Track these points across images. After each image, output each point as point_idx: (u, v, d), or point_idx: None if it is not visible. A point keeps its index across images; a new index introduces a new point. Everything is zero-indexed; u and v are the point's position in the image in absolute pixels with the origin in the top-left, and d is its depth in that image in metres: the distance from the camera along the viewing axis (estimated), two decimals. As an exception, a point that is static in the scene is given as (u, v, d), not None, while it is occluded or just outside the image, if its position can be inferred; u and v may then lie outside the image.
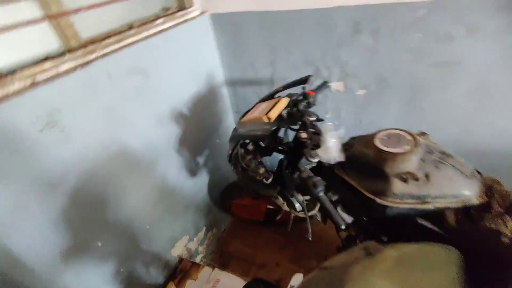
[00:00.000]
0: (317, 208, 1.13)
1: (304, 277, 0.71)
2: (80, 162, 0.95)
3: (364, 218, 1.03)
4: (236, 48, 1.52)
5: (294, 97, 1.18)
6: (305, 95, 1.18)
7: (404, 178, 0.86)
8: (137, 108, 1.15)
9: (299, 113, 1.12)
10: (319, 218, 1.25)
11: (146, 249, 1.33)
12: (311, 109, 1.18)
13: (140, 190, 1.23)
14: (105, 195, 1.08)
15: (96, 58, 0.97)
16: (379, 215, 0.97)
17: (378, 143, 0.94)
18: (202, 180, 1.66)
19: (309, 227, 1.07)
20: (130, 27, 1.18)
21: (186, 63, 1.38)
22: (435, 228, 0.89)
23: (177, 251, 1.53)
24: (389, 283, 0.45)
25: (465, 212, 0.90)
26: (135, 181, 1.20)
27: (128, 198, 1.17)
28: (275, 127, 1.07)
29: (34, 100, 0.80)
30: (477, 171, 0.91)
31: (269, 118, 1.07)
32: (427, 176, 0.86)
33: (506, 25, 0.99)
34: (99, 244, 1.08)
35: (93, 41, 1.01)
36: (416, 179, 0.85)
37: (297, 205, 1.10)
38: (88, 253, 1.05)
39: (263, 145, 1.21)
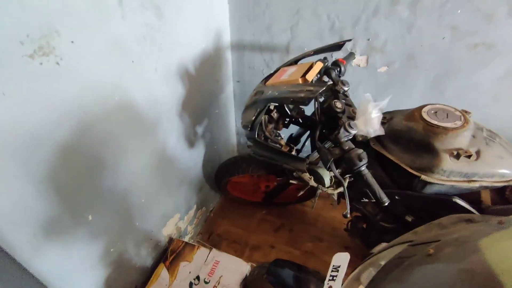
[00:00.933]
0: (346, 183, 1.04)
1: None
2: (76, 110, 0.73)
3: (396, 197, 0.97)
4: (252, 7, 1.34)
5: (326, 64, 1.07)
6: (336, 63, 1.08)
7: (456, 154, 0.81)
8: (146, 52, 0.93)
9: (338, 81, 1.01)
10: (335, 197, 1.18)
11: (139, 226, 1.13)
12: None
13: (140, 155, 1.02)
14: (102, 157, 0.86)
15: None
16: (417, 193, 0.93)
17: (427, 116, 0.88)
18: (198, 153, 1.48)
19: (316, 199, 1.01)
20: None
21: (198, 13, 1.18)
22: (471, 208, 0.87)
23: (168, 230, 1.35)
24: None
25: (500, 192, 0.89)
26: (137, 143, 0.99)
27: (127, 163, 0.97)
28: (318, 89, 0.92)
29: (26, 7, 0.56)
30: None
31: (306, 80, 0.95)
32: (478, 153, 0.82)
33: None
34: (90, 217, 0.87)
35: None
36: (469, 156, 0.81)
37: (327, 179, 1.00)
38: (76, 228, 0.84)
39: (289, 113, 1.09)
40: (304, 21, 1.30)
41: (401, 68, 1.28)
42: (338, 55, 1.28)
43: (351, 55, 1.18)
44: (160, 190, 1.21)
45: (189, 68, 1.20)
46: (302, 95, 0.88)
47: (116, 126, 0.87)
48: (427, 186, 0.88)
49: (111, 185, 0.93)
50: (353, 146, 0.86)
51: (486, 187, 0.86)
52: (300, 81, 0.95)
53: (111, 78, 0.82)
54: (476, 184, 0.83)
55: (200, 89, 1.33)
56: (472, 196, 0.89)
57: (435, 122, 0.85)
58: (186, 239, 1.56)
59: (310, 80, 0.94)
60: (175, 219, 1.39)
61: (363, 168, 0.83)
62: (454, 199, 0.89)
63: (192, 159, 1.42)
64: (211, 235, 1.69)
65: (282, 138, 1.07)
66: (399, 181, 0.95)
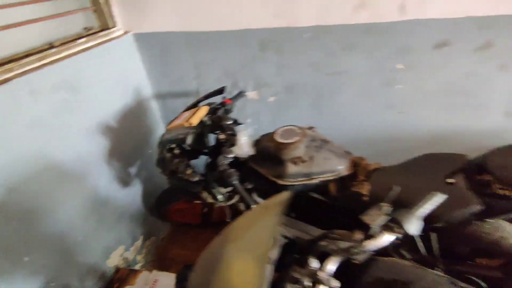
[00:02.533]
0: (236, 197, 1.31)
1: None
2: (6, 177, 0.98)
3: (274, 200, 1.25)
4: (162, 64, 1.67)
5: (213, 105, 1.38)
6: (223, 103, 1.39)
7: (295, 161, 1.11)
8: (66, 121, 1.20)
9: (218, 118, 1.31)
10: (242, 207, 1.44)
11: (80, 261, 1.34)
12: (230, 115, 1.39)
13: (71, 202, 1.26)
14: (35, 208, 1.10)
15: (15, 76, 1.03)
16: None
17: (277, 137, 1.19)
18: (136, 189, 1.72)
19: (228, 212, 1.26)
20: (51, 46, 1.25)
21: (113, 78, 1.47)
22: (322, 198, 1.17)
23: (113, 261, 1.55)
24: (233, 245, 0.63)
25: (341, 182, 1.19)
26: (66, 193, 1.23)
27: (59, 210, 1.20)
28: (194, 130, 1.23)
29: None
30: (347, 152, 1.21)
31: (190, 123, 1.24)
32: (311, 158, 1.12)
33: (370, 45, 1.34)
34: (26, 259, 1.09)
35: (11, 60, 1.06)
36: (303, 161, 1.11)
37: (219, 196, 1.27)
38: (12, 268, 1.05)
39: (188, 148, 1.37)
40: (204, 71, 1.63)
41: (285, 97, 1.61)
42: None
43: (240, 94, 1.50)
44: (98, 228, 1.43)
45: (111, 122, 1.48)
46: (182, 136, 1.17)
47: (45, 182, 1.12)
48: (288, 188, 1.16)
49: (46, 229, 1.16)
50: (227, 167, 1.14)
51: (329, 181, 1.15)
52: (185, 124, 1.24)
53: (35, 147, 1.08)
54: (316, 181, 1.12)
55: (127, 136, 1.60)
56: (323, 189, 1.18)
57: (281, 140, 1.16)
58: (137, 267, 1.75)
59: (193, 122, 1.24)
60: (119, 251, 1.60)
61: (235, 182, 1.11)
62: (310, 194, 1.18)
63: (130, 196, 1.66)
64: (163, 261, 1.89)
65: (192, 168, 1.34)
66: (270, 187, 1.23)
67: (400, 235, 0.65)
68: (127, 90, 1.60)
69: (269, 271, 0.68)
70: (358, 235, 0.66)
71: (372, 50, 1.34)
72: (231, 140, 1.27)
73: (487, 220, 1.09)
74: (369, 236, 0.65)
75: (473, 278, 1.24)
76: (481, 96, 1.35)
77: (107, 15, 1.51)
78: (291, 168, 1.11)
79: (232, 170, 1.12)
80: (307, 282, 0.63)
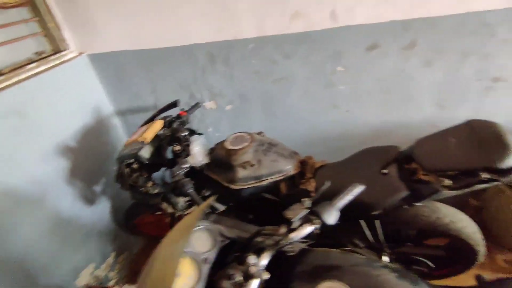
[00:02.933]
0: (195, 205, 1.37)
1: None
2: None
3: (231, 204, 1.32)
4: (119, 82, 1.71)
5: (169, 118, 1.43)
6: (178, 116, 1.45)
7: (244, 166, 1.19)
8: (17, 147, 1.22)
9: (173, 130, 1.37)
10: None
11: (46, 282, 1.35)
12: (187, 126, 1.46)
13: (31, 224, 1.28)
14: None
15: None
16: (238, 198, 1.28)
17: (227, 144, 1.26)
18: (103, 206, 1.74)
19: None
20: (0, 73, 1.27)
21: (69, 99, 1.50)
22: (274, 197, 1.25)
23: (83, 280, 1.56)
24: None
25: (291, 182, 1.27)
26: (25, 217, 1.25)
27: (18, 234, 1.21)
28: (145, 145, 1.28)
29: None
30: (295, 152, 1.30)
31: (144, 138, 1.29)
32: (259, 162, 1.20)
33: (307, 51, 1.45)
34: (-15, 284, 1.10)
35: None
36: (252, 165, 1.19)
37: (179, 205, 1.32)
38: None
39: (146, 162, 1.42)
40: (160, 86, 1.69)
41: (240, 105, 1.69)
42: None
43: (196, 105, 1.56)
44: (63, 248, 1.45)
45: (70, 143, 1.50)
46: (134, 152, 1.22)
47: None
48: (242, 191, 1.24)
49: (4, 254, 1.17)
50: (181, 177, 1.19)
51: (277, 182, 1.23)
52: (140, 139, 1.29)
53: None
54: (266, 182, 1.20)
55: (89, 154, 1.62)
56: (275, 189, 1.26)
57: (230, 147, 1.23)
58: (111, 283, 1.76)
59: (147, 137, 1.29)
60: (89, 269, 1.61)
61: (189, 190, 1.17)
62: (262, 194, 1.26)
63: (96, 214, 1.68)
64: (136, 274, 1.90)
65: (152, 181, 1.38)
66: (225, 192, 1.30)
67: (318, 225, 0.74)
68: (85, 109, 1.63)
69: (206, 270, 0.75)
70: (283, 229, 0.74)
71: (310, 56, 1.45)
72: (186, 151, 1.33)
73: (424, 203, 1.21)
74: (291, 229, 0.73)
75: (420, 258, 1.36)
76: (411, 91, 1.48)
77: (58, 39, 1.54)
78: (241, 173, 1.19)
79: (187, 179, 1.18)
80: (239, 277, 0.69)
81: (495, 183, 0.93)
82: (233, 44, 1.47)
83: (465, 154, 0.96)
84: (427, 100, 1.50)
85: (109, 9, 1.46)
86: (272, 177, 1.20)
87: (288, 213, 0.74)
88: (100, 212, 1.72)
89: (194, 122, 1.81)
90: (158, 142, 1.39)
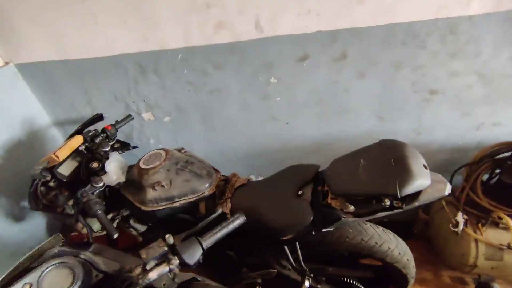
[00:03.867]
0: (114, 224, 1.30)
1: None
2: None
3: (149, 224, 1.25)
4: (52, 93, 1.63)
5: (91, 133, 1.36)
6: (103, 130, 1.38)
7: (154, 186, 1.12)
8: None
9: (95, 146, 1.30)
10: (134, 232, 1.43)
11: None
12: (116, 139, 1.39)
13: None
14: None
15: None
16: (154, 219, 1.22)
17: (141, 163, 1.19)
18: (35, 224, 1.66)
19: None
20: None
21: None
22: (191, 218, 1.18)
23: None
24: None
25: (211, 202, 1.21)
26: None
27: None
28: (69, 161, 1.21)
29: None
30: (215, 170, 1.24)
31: (56, 156, 1.22)
32: (170, 182, 1.13)
33: (238, 62, 1.38)
34: None
35: None
36: (162, 186, 1.12)
37: (95, 226, 1.25)
38: None
39: (65, 179, 1.34)
40: (94, 96, 1.61)
41: (178, 116, 1.62)
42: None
43: (128, 117, 1.49)
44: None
45: (-8, 158, 1.43)
46: (37, 172, 1.15)
47: None
48: (155, 213, 1.17)
49: None
50: (91, 197, 1.12)
51: (195, 202, 1.17)
52: (53, 157, 1.22)
53: None
54: (177, 204, 1.13)
55: (17, 170, 1.54)
56: (194, 209, 1.20)
57: (143, 166, 1.16)
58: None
59: (59, 155, 1.22)
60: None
61: (98, 212, 1.09)
62: (179, 215, 1.19)
63: (26, 232, 1.60)
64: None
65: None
66: (141, 213, 1.23)
67: (175, 266, 0.67)
68: (16, 121, 1.55)
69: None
70: (137, 270, 0.67)
71: (241, 67, 1.38)
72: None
73: (350, 224, 1.15)
74: (145, 270, 0.67)
75: (350, 281, 1.30)
76: (348, 103, 1.42)
77: (-19, 48, 1.46)
78: (151, 194, 1.12)
79: (96, 200, 1.11)
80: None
81: (398, 210, 0.87)
82: (161, 54, 1.40)
83: (370, 179, 0.90)
84: (366, 112, 1.44)
85: (30, 17, 1.38)
86: (186, 198, 1.13)
87: (142, 253, 0.68)
88: (32, 229, 1.64)
89: (134, 134, 1.75)
90: (81, 159, 1.32)
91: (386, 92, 1.37)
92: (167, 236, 0.71)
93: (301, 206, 1.00)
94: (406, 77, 1.31)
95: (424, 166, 0.88)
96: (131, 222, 1.28)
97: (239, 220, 0.78)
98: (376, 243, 1.13)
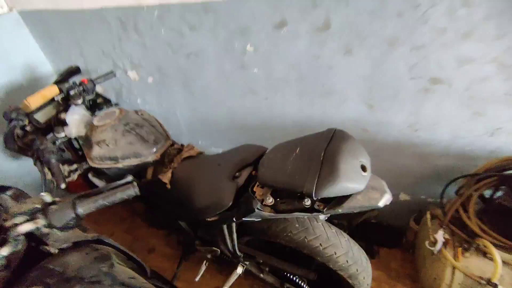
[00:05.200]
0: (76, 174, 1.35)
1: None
2: None
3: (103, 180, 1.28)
4: (52, 42, 1.70)
5: (68, 85, 1.39)
6: (80, 83, 1.40)
7: (99, 144, 1.11)
8: None
9: (67, 98, 1.34)
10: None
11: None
12: (101, 94, 1.41)
13: None
14: None
15: None
16: (104, 176, 1.23)
17: (95, 119, 1.19)
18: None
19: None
20: None
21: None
22: (138, 182, 1.17)
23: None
24: None
25: (160, 168, 1.18)
26: None
27: None
28: (48, 108, 1.27)
29: None
30: (167, 137, 1.19)
31: (28, 103, 1.28)
32: (115, 142, 1.11)
33: (213, 24, 1.25)
34: None
35: None
36: (107, 145, 1.11)
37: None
38: None
39: (41, 126, 1.41)
40: (85, 49, 1.64)
41: (160, 78, 1.58)
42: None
43: (109, 74, 1.49)
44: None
45: (-9, 98, 1.56)
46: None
47: None
48: (105, 170, 1.18)
49: None
50: (48, 146, 1.17)
51: (148, 165, 1.14)
52: (24, 103, 1.28)
53: None
54: (120, 165, 1.12)
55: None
56: (141, 173, 1.18)
57: (94, 122, 1.15)
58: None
59: (30, 103, 1.27)
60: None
61: (49, 159, 1.14)
62: (126, 177, 1.18)
63: (24, 168, 1.77)
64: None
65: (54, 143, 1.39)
66: (92, 168, 1.24)
67: (41, 226, 0.65)
68: (16, 66, 1.65)
69: None
70: (11, 220, 0.66)
71: (216, 30, 1.26)
72: (69, 120, 1.29)
73: (298, 218, 1.03)
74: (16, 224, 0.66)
75: (293, 277, 1.20)
76: (332, 83, 1.22)
77: (-12, -7, 1.55)
78: (96, 151, 1.12)
79: (50, 149, 1.15)
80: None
81: (318, 214, 0.73)
82: (139, 11, 1.33)
83: (294, 171, 0.76)
84: (353, 96, 1.24)
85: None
86: (128, 160, 1.12)
87: (14, 206, 0.67)
88: (29, 166, 1.80)
89: (123, 92, 1.76)
90: (56, 108, 1.37)
91: (377, 74, 1.14)
92: (43, 193, 0.69)
93: (226, 189, 0.91)
94: (403, 58, 1.07)
95: (363, 167, 0.71)
96: (90, 175, 1.32)
97: (130, 191, 0.73)
98: (320, 244, 1.01)
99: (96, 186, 1.40)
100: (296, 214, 0.77)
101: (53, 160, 1.14)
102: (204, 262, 1.38)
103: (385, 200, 0.69)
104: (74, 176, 1.37)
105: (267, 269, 1.22)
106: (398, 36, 1.03)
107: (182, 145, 1.25)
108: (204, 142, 1.80)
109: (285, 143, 0.89)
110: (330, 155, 0.71)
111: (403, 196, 1.50)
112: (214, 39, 1.29)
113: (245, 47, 1.27)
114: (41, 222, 0.65)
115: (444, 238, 1.10)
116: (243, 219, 0.87)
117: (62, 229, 0.68)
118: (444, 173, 1.30)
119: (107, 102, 1.48)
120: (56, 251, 0.74)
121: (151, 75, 1.59)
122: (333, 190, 0.68)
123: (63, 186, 1.13)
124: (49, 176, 1.29)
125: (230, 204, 0.87)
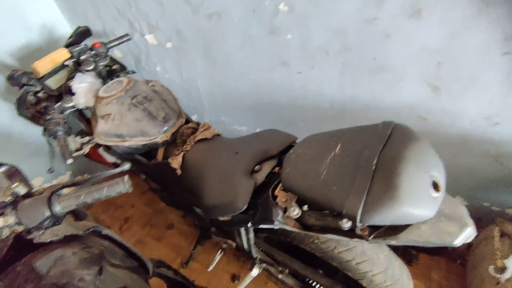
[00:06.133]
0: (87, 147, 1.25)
1: None
2: None
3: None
4: (68, 1, 1.56)
5: (79, 49, 1.25)
6: (92, 47, 1.26)
7: (105, 118, 0.98)
8: None
9: (78, 63, 1.21)
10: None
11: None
12: (116, 60, 1.28)
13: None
14: None
15: None
16: (113, 153, 1.11)
17: (101, 89, 1.04)
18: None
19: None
20: None
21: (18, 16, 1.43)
22: (146, 161, 1.04)
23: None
24: None
25: (172, 149, 1.03)
26: None
27: None
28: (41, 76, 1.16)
29: None
30: (180, 114, 1.02)
31: (34, 68, 1.17)
32: (122, 117, 0.97)
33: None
34: None
35: None
36: (112, 120, 0.97)
37: (71, 145, 1.24)
38: None
39: (54, 93, 1.32)
40: (101, 9, 1.47)
41: (179, 43, 1.38)
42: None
43: (124, 36, 1.33)
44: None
45: (6, 61, 1.49)
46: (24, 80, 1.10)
47: None
48: (113, 147, 1.06)
49: None
50: (55, 117, 1.06)
51: (160, 145, 1.01)
52: (32, 67, 1.17)
53: None
54: (127, 144, 0.98)
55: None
56: (151, 153, 1.05)
57: (100, 94, 1.01)
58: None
59: (37, 67, 1.15)
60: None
61: (59, 133, 1.04)
62: (135, 156, 1.06)
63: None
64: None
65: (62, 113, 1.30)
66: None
67: (6, 224, 0.53)
68: (31, 27, 1.55)
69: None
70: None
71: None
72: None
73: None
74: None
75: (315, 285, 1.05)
76: (385, 56, 0.95)
77: None
78: (101, 126, 0.99)
79: (56, 120, 1.05)
80: None
81: (360, 240, 0.54)
82: (153, -41, 1.11)
83: (332, 180, 0.55)
84: (414, 74, 0.96)
85: None
86: (135, 139, 0.97)
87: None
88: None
89: (142, 57, 1.60)
90: (68, 73, 1.25)
91: (452, 46, 0.85)
92: (15, 184, 0.57)
93: (241, 188, 0.73)
94: (496, 24, 0.76)
95: (434, 184, 0.49)
96: (100, 150, 1.22)
97: (119, 188, 0.58)
98: (353, 258, 0.82)
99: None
100: (330, 236, 0.58)
101: (60, 133, 1.04)
102: (219, 251, 1.27)
103: (466, 236, 0.47)
104: (86, 149, 1.29)
105: (287, 271, 1.07)
106: (496, -10, 0.72)
107: (198, 124, 1.09)
108: (226, 118, 1.62)
109: (321, 135, 0.68)
110: (387, 164, 0.49)
111: (458, 200, 1.24)
112: (242, -4, 1.05)
113: (278, 6, 1.01)
114: (9, 219, 0.54)
115: (516, 265, 0.86)
116: (260, 226, 0.71)
117: (33, 230, 0.56)
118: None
119: (123, 69, 1.33)
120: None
121: (169, 39, 1.40)
122: (388, 217, 0.47)
123: (69, 161, 1.04)
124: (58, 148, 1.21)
125: (245, 207, 0.70)
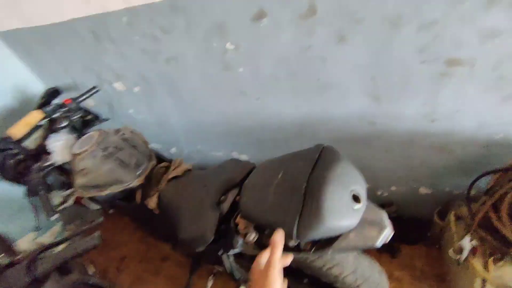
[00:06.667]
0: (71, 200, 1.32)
1: None
2: None
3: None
4: (35, 60, 1.64)
5: (51, 107, 1.33)
6: (63, 105, 1.34)
7: (81, 173, 1.05)
8: None
9: (52, 121, 1.28)
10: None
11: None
12: (89, 111, 1.35)
13: None
14: None
15: None
16: (96, 201, 1.18)
17: (74, 146, 1.12)
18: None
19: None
20: None
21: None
22: (126, 204, 1.11)
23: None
24: None
25: (148, 190, 1.11)
26: None
27: None
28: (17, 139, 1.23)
29: None
30: (149, 157, 1.10)
31: (10, 134, 1.23)
32: (96, 170, 1.04)
33: (185, 25, 1.11)
34: None
35: None
36: (88, 173, 1.04)
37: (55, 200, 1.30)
38: None
39: (32, 153, 1.38)
40: (68, 65, 1.56)
41: (145, 87, 1.48)
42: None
43: (92, 89, 1.41)
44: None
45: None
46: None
47: None
48: (97, 197, 1.12)
49: None
50: (34, 177, 1.13)
51: (137, 189, 1.08)
52: (8, 134, 1.23)
53: None
54: (105, 193, 1.05)
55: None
56: (130, 196, 1.12)
57: (73, 150, 1.09)
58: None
59: (14, 134, 1.22)
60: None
61: (39, 192, 1.11)
62: (116, 202, 1.13)
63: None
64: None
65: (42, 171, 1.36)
66: None
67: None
68: (4, 91, 1.62)
69: None
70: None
71: (190, 31, 1.11)
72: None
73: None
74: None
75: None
76: (326, 76, 1.06)
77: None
78: (79, 180, 1.06)
79: (38, 180, 1.11)
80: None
81: (306, 254, 0.62)
82: (107, 19, 1.21)
83: (275, 204, 0.64)
84: (354, 89, 1.07)
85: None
86: (113, 187, 1.05)
87: None
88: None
89: (114, 104, 1.69)
90: (44, 133, 1.32)
91: (379, 62, 0.96)
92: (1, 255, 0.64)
93: (208, 220, 0.81)
94: (409, 40, 0.87)
95: (355, 197, 0.58)
96: (84, 199, 1.29)
97: (93, 241, 0.65)
98: (323, 265, 0.90)
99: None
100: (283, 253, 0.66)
101: (41, 192, 1.11)
102: (211, 276, 1.33)
103: (384, 237, 0.56)
104: (71, 201, 1.35)
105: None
106: (401, 13, 0.83)
107: (170, 161, 1.17)
108: (203, 147, 1.70)
109: (269, 163, 0.77)
110: (314, 186, 0.58)
111: (423, 190, 1.33)
112: (191, 41, 1.15)
113: (225, 46, 1.12)
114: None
115: (471, 245, 0.95)
116: (229, 253, 0.78)
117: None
118: (470, 166, 1.12)
119: (97, 118, 1.41)
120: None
121: (136, 84, 1.49)
122: (318, 233, 0.56)
123: (53, 218, 1.10)
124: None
125: (213, 238, 0.77)
